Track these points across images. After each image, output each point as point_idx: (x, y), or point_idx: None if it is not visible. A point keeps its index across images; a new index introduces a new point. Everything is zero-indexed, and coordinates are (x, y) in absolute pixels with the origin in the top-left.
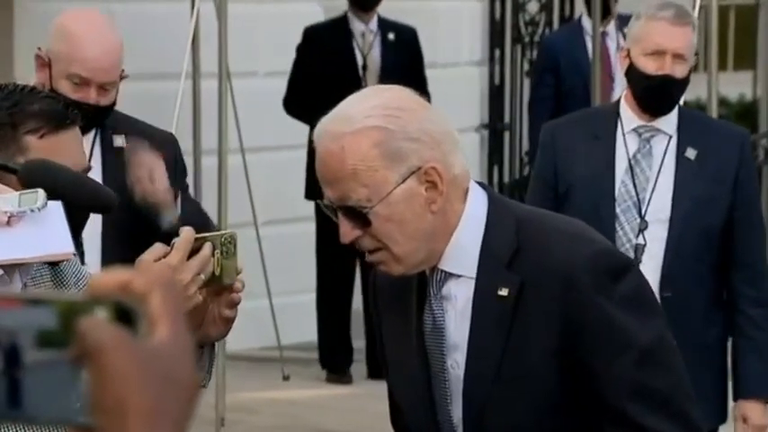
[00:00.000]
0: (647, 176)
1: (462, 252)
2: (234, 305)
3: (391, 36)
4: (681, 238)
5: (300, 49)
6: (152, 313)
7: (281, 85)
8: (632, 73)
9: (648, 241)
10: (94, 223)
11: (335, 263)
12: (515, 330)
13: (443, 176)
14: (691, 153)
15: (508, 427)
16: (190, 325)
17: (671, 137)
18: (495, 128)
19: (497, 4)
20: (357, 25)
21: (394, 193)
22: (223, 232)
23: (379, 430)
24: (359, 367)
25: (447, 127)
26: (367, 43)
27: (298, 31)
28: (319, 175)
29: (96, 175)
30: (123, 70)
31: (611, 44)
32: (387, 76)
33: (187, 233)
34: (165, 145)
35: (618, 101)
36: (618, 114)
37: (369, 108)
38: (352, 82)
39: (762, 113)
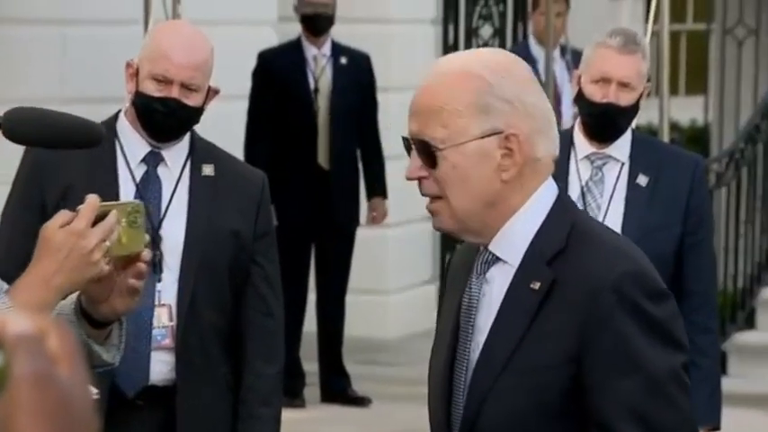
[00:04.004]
0: (599, 204)
1: (514, 239)
2: (140, 275)
3: (344, 60)
4: None
5: (256, 74)
6: (53, 353)
7: (234, 109)
8: (580, 99)
9: None
10: (174, 252)
11: (287, 287)
12: (536, 325)
13: (523, 148)
14: (642, 180)
15: (504, 417)
16: (98, 297)
17: (623, 164)
18: None
19: (450, 29)
20: (310, 49)
21: (469, 144)
22: (129, 201)
23: None
24: (312, 391)
25: (547, 110)
26: (319, 67)
27: (252, 55)
28: (411, 107)
29: (183, 201)
30: (212, 87)
31: (557, 68)
32: (338, 99)
33: (91, 200)
34: (252, 183)
35: (572, 128)
36: (571, 141)
37: (480, 59)
38: (305, 104)
39: (713, 138)
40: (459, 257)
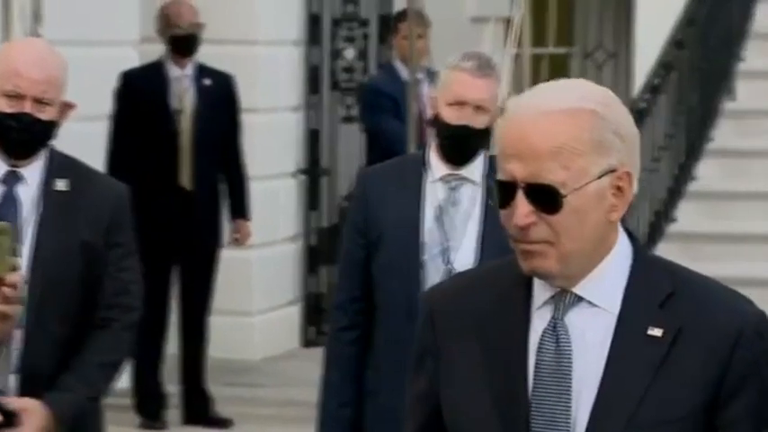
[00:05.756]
0: (455, 225)
1: (606, 282)
2: (7, 300)
3: (207, 82)
4: None
5: (118, 94)
6: None
7: (95, 129)
8: (436, 121)
9: None
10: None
11: (148, 309)
12: (663, 375)
13: (631, 186)
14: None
15: None
16: None
17: (478, 185)
18: (312, 173)
19: (314, 51)
20: (173, 70)
21: (589, 185)
22: None
23: None
24: (174, 413)
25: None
26: (182, 88)
27: (113, 76)
28: (510, 149)
29: (33, 216)
30: (66, 102)
31: (425, 90)
32: (201, 120)
33: None
34: (108, 194)
35: (427, 149)
36: (426, 163)
37: (584, 92)
38: (167, 125)
39: None
40: (450, 304)
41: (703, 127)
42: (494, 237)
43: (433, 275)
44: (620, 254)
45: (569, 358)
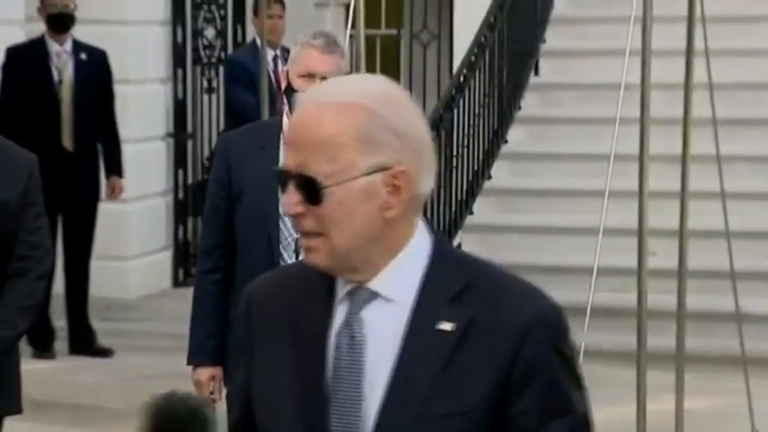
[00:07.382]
0: None
1: (401, 277)
2: None
3: (83, 56)
4: None
5: (5, 68)
6: None
7: None
8: (288, 91)
9: None
10: None
11: None
12: (453, 368)
13: (410, 186)
14: None
15: None
16: None
17: None
18: (179, 137)
19: (179, 30)
20: (53, 46)
21: (355, 181)
22: None
23: (79, 396)
24: (61, 344)
25: (430, 142)
26: (62, 61)
27: (0, 51)
28: (287, 138)
29: None
30: None
31: (280, 66)
32: (80, 90)
33: None
34: (22, 161)
35: (281, 116)
36: (280, 128)
37: (364, 88)
38: (50, 95)
39: None
40: (267, 298)
41: (513, 98)
42: None
43: (288, 225)
44: (417, 249)
45: (361, 353)
